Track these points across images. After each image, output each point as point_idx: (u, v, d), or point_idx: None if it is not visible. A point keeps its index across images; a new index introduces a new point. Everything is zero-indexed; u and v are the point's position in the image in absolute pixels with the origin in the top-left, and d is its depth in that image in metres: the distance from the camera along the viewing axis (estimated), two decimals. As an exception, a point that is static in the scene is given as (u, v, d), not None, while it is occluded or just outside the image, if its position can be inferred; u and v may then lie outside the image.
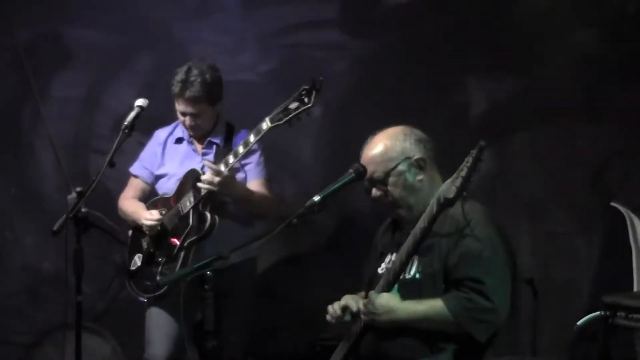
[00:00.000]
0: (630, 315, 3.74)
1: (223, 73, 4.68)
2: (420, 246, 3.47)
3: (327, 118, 5.44)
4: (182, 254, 4.51)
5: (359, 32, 5.47)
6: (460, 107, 5.34)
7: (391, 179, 3.61)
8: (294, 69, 5.53)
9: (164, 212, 4.62)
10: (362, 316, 3.56)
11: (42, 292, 5.73)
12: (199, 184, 4.43)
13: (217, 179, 4.36)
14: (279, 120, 4.16)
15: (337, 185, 3.55)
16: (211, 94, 4.58)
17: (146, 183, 4.85)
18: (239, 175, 4.62)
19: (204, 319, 3.42)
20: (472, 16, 5.27)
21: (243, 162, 4.57)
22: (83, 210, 4.29)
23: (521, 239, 5.11)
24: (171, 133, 4.82)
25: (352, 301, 3.66)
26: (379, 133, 3.70)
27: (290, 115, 4.12)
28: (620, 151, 5.09)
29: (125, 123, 4.43)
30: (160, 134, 4.85)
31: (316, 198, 3.49)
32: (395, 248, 3.64)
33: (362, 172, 3.59)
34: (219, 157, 4.57)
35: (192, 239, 4.50)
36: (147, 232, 4.64)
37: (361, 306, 3.56)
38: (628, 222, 4.71)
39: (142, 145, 4.96)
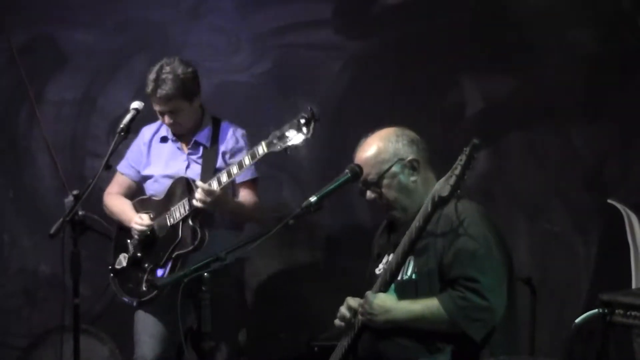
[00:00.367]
0: (628, 313, 3.73)
1: (218, 74, 4.68)
2: (415, 245, 3.47)
3: (323, 118, 5.39)
4: (169, 263, 4.51)
5: (354, 32, 5.47)
6: (456, 107, 5.34)
7: (385, 181, 3.61)
8: (289, 70, 5.54)
9: (152, 216, 4.61)
10: (360, 316, 3.55)
11: (39, 295, 5.73)
12: (193, 201, 4.40)
13: (209, 199, 4.36)
14: (275, 147, 4.15)
15: (333, 186, 3.56)
16: (185, 90, 4.51)
17: (132, 181, 4.82)
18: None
19: (202, 320, 3.41)
20: (468, 16, 5.27)
21: (230, 161, 4.56)
22: (80, 213, 4.29)
23: (518, 239, 5.12)
24: (157, 131, 4.77)
25: (353, 302, 3.65)
26: (371, 135, 3.70)
27: (287, 145, 4.11)
28: (617, 150, 5.09)
29: (121, 126, 4.43)
30: (146, 131, 4.80)
31: (312, 198, 3.50)
32: (391, 249, 3.63)
33: (357, 172, 3.59)
34: (206, 159, 4.57)
35: (180, 252, 4.49)
36: (136, 236, 4.62)
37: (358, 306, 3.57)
38: (626, 220, 4.71)
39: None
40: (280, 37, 5.56)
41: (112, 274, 4.70)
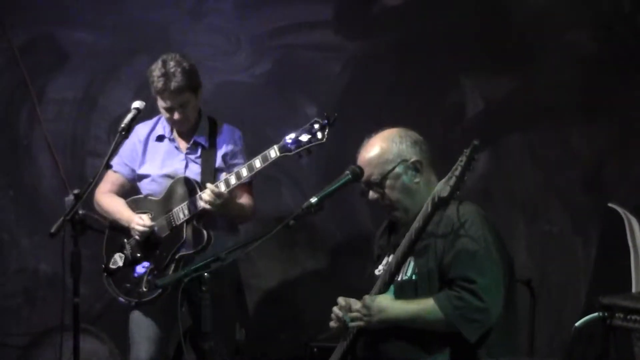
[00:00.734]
0: (628, 317, 3.73)
1: (218, 74, 4.67)
2: (415, 246, 3.47)
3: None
4: (172, 265, 4.50)
5: (354, 33, 5.48)
6: (456, 107, 5.35)
7: (388, 182, 3.61)
8: (289, 70, 5.54)
9: (151, 216, 4.60)
10: (358, 322, 3.54)
11: (39, 294, 5.72)
12: (200, 203, 4.40)
13: (218, 201, 4.36)
14: (288, 151, 4.16)
15: (333, 187, 3.55)
16: (192, 82, 4.52)
17: (125, 179, 4.79)
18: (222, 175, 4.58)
19: (201, 320, 3.41)
20: (468, 16, 5.28)
21: (230, 162, 4.57)
22: (80, 212, 4.28)
23: (518, 240, 5.13)
24: (152, 130, 4.75)
25: (344, 301, 3.65)
26: (375, 135, 3.70)
27: (302, 148, 4.13)
28: (616, 151, 5.10)
29: (122, 125, 4.40)
30: (141, 130, 4.75)
31: (313, 199, 3.49)
32: (391, 250, 3.63)
33: (358, 173, 3.58)
34: (205, 159, 4.56)
35: (184, 253, 4.48)
36: (137, 237, 4.60)
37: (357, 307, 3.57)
38: (626, 224, 4.70)
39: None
40: (280, 37, 5.56)
41: (105, 274, 4.68)
